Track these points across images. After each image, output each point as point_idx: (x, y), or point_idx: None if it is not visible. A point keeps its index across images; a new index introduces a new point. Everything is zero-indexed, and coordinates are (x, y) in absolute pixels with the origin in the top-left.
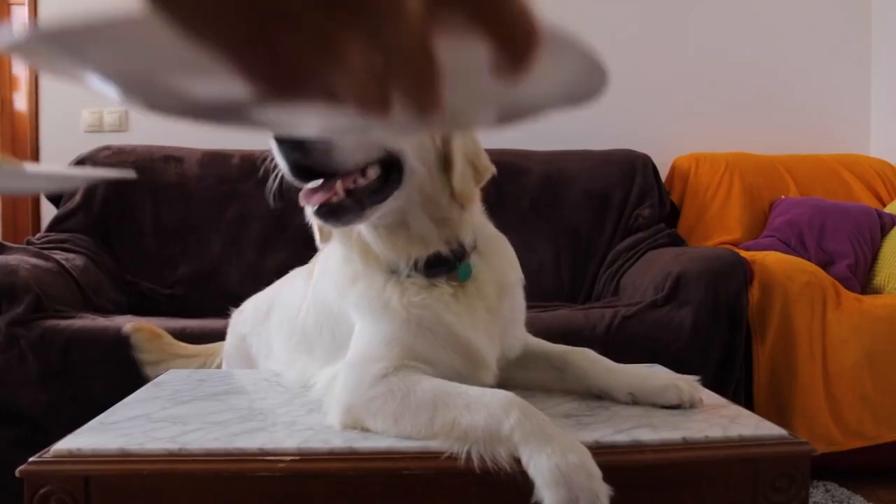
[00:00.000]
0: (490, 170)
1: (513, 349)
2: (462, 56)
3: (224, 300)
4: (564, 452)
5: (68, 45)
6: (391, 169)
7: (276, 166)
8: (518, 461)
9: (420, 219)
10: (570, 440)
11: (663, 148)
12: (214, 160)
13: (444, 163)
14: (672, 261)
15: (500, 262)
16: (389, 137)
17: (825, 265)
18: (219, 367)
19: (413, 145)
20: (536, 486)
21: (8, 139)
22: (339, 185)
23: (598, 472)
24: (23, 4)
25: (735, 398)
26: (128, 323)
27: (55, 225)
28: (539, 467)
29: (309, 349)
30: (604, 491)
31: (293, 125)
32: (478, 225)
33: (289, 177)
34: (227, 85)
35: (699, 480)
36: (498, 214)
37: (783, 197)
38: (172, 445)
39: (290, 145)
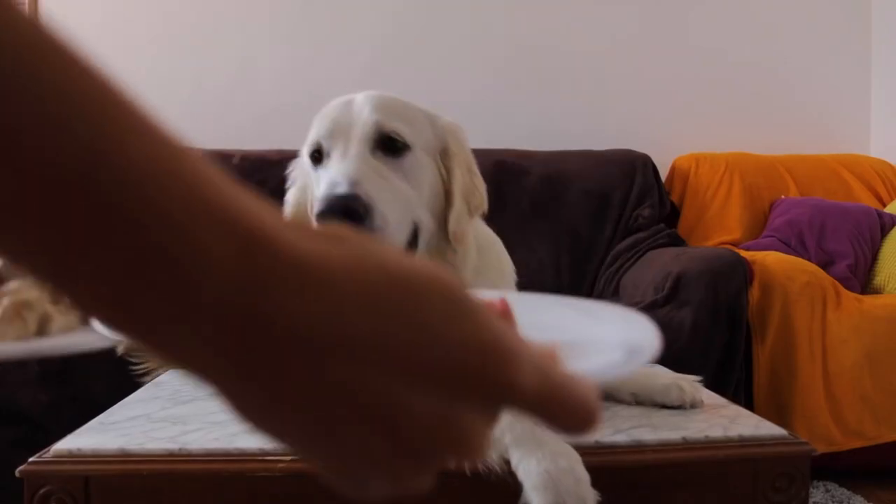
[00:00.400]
0: (482, 208)
1: None
2: None
3: None
4: (554, 457)
5: None
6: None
7: (294, 175)
8: (507, 462)
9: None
10: (560, 444)
11: (663, 148)
12: (214, 160)
13: (445, 199)
14: (672, 261)
15: (493, 273)
16: (415, 210)
17: (825, 265)
18: None
19: (426, 195)
20: (525, 489)
21: None
22: None
23: (586, 478)
24: (23, 4)
25: (735, 398)
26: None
27: None
28: (528, 471)
29: None
30: (591, 496)
31: None
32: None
33: (318, 210)
34: None
35: (699, 480)
36: (498, 214)
37: (783, 197)
38: (172, 445)
39: (339, 213)
